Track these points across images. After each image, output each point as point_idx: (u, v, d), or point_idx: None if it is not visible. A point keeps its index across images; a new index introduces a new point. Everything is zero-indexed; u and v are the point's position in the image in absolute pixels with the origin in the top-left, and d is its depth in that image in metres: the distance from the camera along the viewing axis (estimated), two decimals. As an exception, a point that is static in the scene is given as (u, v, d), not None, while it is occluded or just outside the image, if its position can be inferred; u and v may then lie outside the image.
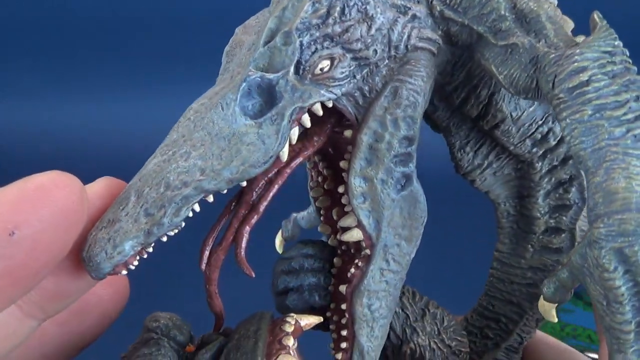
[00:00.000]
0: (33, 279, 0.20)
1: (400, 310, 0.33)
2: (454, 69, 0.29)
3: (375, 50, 0.26)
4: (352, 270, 0.27)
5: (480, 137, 0.32)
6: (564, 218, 0.32)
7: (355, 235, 0.27)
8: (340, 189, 0.27)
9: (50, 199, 0.20)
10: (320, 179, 0.31)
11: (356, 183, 0.27)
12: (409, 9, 0.27)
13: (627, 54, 0.24)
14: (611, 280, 0.22)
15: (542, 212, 0.32)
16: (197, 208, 0.23)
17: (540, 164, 0.31)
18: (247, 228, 0.27)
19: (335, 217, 0.29)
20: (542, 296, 0.25)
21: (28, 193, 0.19)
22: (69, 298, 0.23)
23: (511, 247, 0.34)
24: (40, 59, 1.34)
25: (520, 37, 0.26)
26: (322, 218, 0.31)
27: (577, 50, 0.24)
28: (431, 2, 0.28)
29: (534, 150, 0.31)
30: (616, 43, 0.24)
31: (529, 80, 0.26)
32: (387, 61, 0.27)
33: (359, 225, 0.27)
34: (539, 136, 0.31)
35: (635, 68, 0.24)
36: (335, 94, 0.26)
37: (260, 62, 0.25)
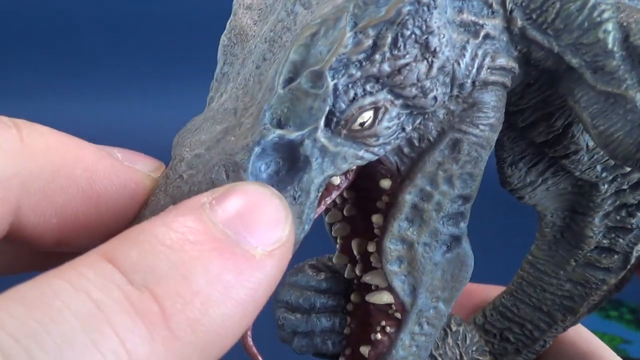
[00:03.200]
0: None
1: None
2: (525, 90, 0.24)
3: (435, 97, 0.20)
4: (379, 336, 0.23)
5: (538, 153, 0.27)
6: (621, 240, 0.29)
7: (385, 299, 0.23)
8: (370, 248, 0.23)
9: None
10: (338, 200, 0.24)
11: (392, 247, 0.22)
12: (481, 27, 0.20)
13: None
14: None
15: (597, 231, 0.29)
16: None
17: (606, 186, 0.28)
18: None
19: (355, 251, 0.24)
20: None
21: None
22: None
23: (549, 255, 0.31)
24: (40, 59, 1.34)
25: (631, 89, 0.20)
26: (338, 246, 0.25)
27: None
28: (511, 12, 0.21)
29: (604, 175, 0.27)
30: None
31: (634, 148, 0.21)
32: (446, 103, 0.21)
33: (391, 289, 0.22)
34: (613, 162, 0.26)
35: None
36: (377, 155, 0.20)
37: (279, 109, 0.18)
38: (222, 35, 0.22)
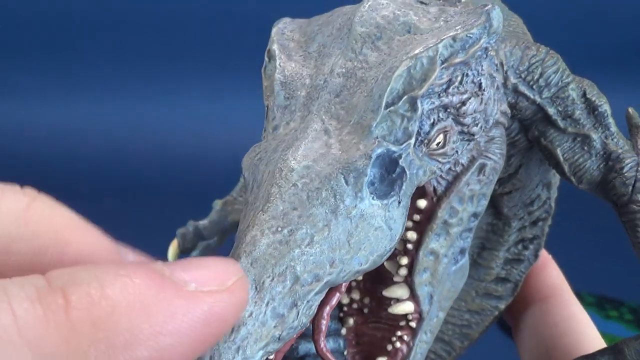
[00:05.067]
0: None
1: None
2: None
3: (480, 127, 0.25)
4: (398, 344, 0.26)
5: None
6: (515, 270, 0.33)
7: (407, 308, 0.25)
8: (403, 261, 0.25)
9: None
10: None
11: (425, 258, 0.25)
12: (495, 79, 0.26)
13: None
14: None
15: (499, 264, 0.33)
16: None
17: (516, 223, 0.32)
18: (327, 309, 0.22)
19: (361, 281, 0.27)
20: None
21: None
22: None
23: None
24: (40, 59, 1.34)
25: (592, 131, 0.27)
26: None
27: None
28: (506, 72, 0.27)
29: (519, 212, 0.32)
30: None
31: (598, 173, 0.27)
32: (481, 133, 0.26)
33: (414, 298, 0.25)
34: (529, 201, 0.32)
35: None
36: (441, 171, 0.25)
37: (383, 127, 0.22)
38: (276, 74, 0.25)
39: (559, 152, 0.27)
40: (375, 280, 0.27)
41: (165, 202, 1.03)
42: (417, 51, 0.22)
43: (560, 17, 1.12)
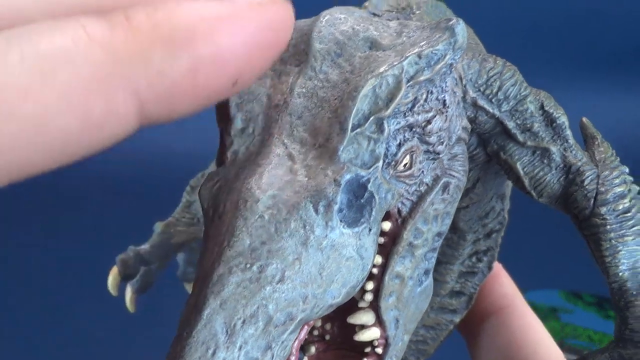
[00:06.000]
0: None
1: None
2: None
3: (445, 145, 0.24)
4: None
5: None
6: (469, 283, 0.33)
7: (373, 334, 0.24)
8: (369, 286, 0.24)
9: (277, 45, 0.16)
10: None
11: (390, 282, 0.24)
12: (455, 94, 0.25)
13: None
14: None
15: (453, 277, 0.33)
16: None
17: (471, 235, 0.32)
18: (296, 344, 0.21)
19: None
20: None
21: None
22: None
23: None
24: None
25: (551, 144, 0.27)
26: None
27: (614, 173, 0.27)
28: (465, 85, 0.26)
29: (474, 225, 0.31)
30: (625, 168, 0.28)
31: (558, 187, 0.27)
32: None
33: (380, 324, 0.24)
34: (484, 214, 0.31)
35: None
36: (408, 193, 0.24)
37: (350, 150, 0.21)
38: (232, 95, 0.23)
39: (518, 166, 0.27)
40: (338, 307, 0.26)
41: (169, 200, 1.03)
42: (381, 69, 0.21)
43: (561, 17, 1.12)
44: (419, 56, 0.22)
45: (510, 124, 0.27)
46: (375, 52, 0.23)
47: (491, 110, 0.26)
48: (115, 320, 0.58)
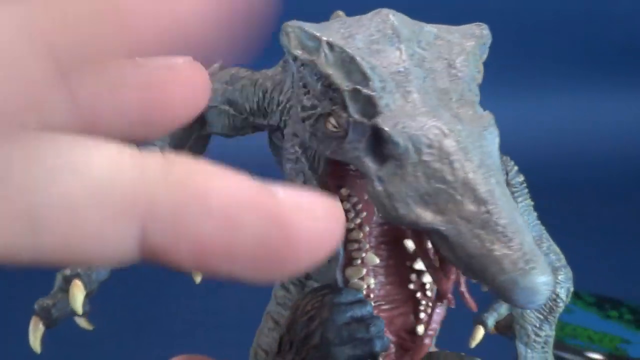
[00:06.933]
0: None
1: None
2: None
3: None
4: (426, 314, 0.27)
5: None
6: None
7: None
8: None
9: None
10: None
11: None
12: None
13: None
14: None
15: None
16: None
17: None
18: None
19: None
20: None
21: None
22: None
23: None
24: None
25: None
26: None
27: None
28: None
29: None
30: None
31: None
32: None
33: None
34: None
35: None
36: None
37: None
38: (357, 58, 0.24)
39: None
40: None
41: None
42: (467, 45, 0.26)
43: (561, 17, 1.11)
44: (481, 41, 0.26)
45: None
46: (442, 41, 0.26)
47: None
48: (116, 320, 0.57)
